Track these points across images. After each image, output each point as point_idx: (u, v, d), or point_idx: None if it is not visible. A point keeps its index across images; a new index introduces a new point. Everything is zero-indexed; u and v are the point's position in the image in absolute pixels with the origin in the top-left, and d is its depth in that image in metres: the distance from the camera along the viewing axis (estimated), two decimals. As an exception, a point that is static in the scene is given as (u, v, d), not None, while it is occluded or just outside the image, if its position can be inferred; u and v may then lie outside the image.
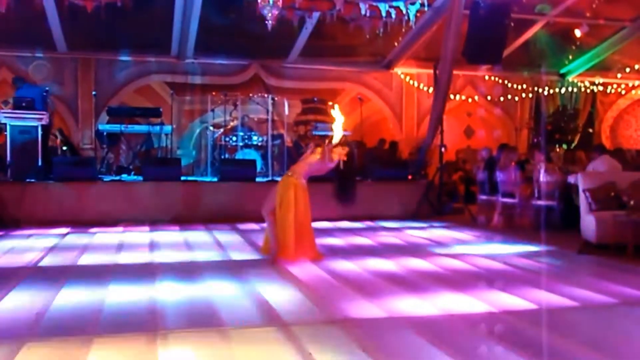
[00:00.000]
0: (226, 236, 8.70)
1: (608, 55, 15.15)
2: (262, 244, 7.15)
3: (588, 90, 16.33)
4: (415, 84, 15.25)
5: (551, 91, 16.06)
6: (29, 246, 7.72)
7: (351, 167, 6.86)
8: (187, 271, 6.19)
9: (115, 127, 12.08)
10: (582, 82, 16.20)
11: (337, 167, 6.74)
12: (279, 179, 11.33)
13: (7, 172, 10.35)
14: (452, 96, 14.25)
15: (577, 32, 13.93)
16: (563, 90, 16.15)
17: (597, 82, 16.26)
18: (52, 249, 7.49)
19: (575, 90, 16.22)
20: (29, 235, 8.58)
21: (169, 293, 5.27)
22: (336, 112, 6.88)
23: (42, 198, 9.86)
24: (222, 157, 12.41)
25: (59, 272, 6.08)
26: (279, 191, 6.69)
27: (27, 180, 10.10)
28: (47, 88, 11.70)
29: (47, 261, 6.76)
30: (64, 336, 4.05)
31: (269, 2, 10.11)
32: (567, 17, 13.56)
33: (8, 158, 10.35)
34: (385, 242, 8.49)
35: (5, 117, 10.47)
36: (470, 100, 15.67)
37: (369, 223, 10.37)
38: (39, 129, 10.51)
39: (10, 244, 7.90)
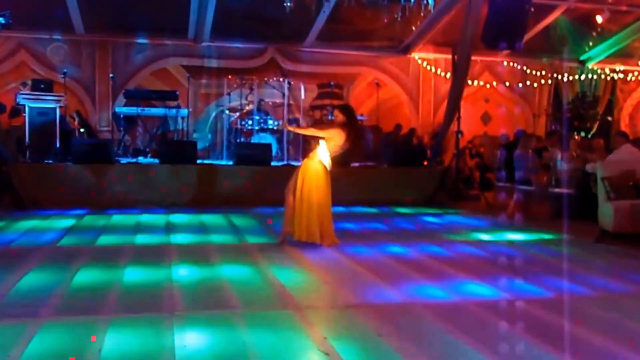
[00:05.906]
0: (241, 219, 8.74)
1: (629, 42, 14.87)
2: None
3: (608, 78, 16.07)
4: (433, 69, 15.10)
5: (570, 78, 15.83)
6: (48, 227, 7.82)
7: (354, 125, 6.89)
8: (202, 254, 6.24)
9: (132, 110, 12.13)
10: (602, 69, 15.94)
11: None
12: (294, 163, 11.49)
13: (25, 153, 10.45)
14: (469, 82, 14.10)
15: (598, 18, 13.69)
16: (583, 77, 15.91)
17: (617, 70, 15.99)
18: (70, 230, 7.57)
19: (595, 77, 15.97)
20: (48, 216, 8.69)
21: (184, 275, 5.31)
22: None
23: (60, 179, 9.94)
24: (238, 140, 12.43)
25: (77, 253, 6.14)
26: (295, 173, 6.77)
27: (46, 161, 10.19)
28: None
29: (65, 242, 6.84)
30: (81, 316, 4.11)
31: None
32: (588, 3, 13.33)
33: (27, 139, 10.44)
34: (401, 227, 8.48)
35: (24, 98, 10.56)
36: (488, 86, 15.51)
37: (384, 208, 10.35)
38: (57, 110, 10.59)
39: (29, 224, 8.00)
